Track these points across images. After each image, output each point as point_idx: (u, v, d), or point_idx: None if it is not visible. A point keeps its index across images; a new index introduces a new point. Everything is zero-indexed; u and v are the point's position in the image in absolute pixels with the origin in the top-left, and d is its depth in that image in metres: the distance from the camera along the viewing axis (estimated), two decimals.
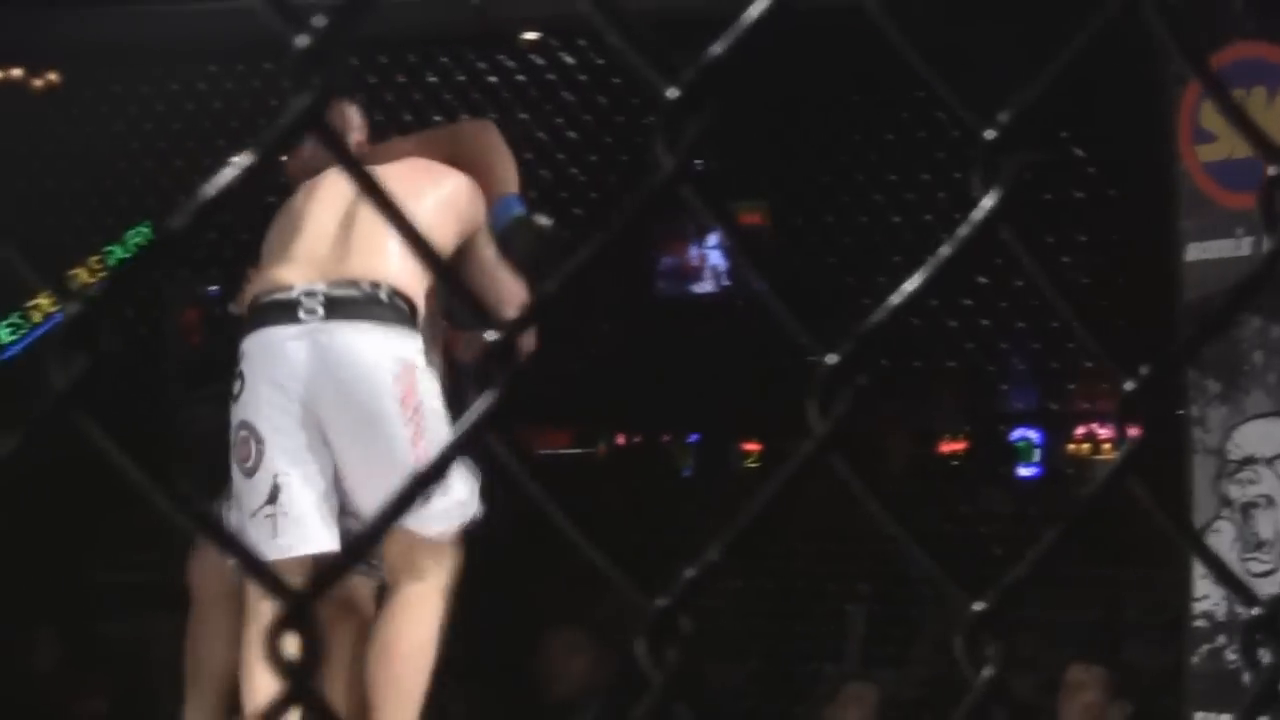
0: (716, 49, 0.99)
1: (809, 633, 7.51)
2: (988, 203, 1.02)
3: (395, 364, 4.36)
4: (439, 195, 4.62)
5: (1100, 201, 7.47)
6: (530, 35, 7.66)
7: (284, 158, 4.91)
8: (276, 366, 4.40)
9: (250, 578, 0.83)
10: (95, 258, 8.55)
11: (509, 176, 4.80)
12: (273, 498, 4.41)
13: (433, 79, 7.71)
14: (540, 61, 7.69)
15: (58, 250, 7.92)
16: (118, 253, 8.73)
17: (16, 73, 8.22)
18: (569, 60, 7.68)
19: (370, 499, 4.36)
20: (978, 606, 1.03)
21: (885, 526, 1.04)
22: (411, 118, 7.38)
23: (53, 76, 8.26)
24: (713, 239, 8.84)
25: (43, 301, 9.04)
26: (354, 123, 5.00)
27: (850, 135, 8.15)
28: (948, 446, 9.34)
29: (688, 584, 0.96)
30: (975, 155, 1.05)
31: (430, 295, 4.58)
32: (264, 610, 4.26)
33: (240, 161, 0.90)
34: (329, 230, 4.59)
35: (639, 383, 8.57)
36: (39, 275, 0.85)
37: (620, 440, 9.96)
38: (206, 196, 0.91)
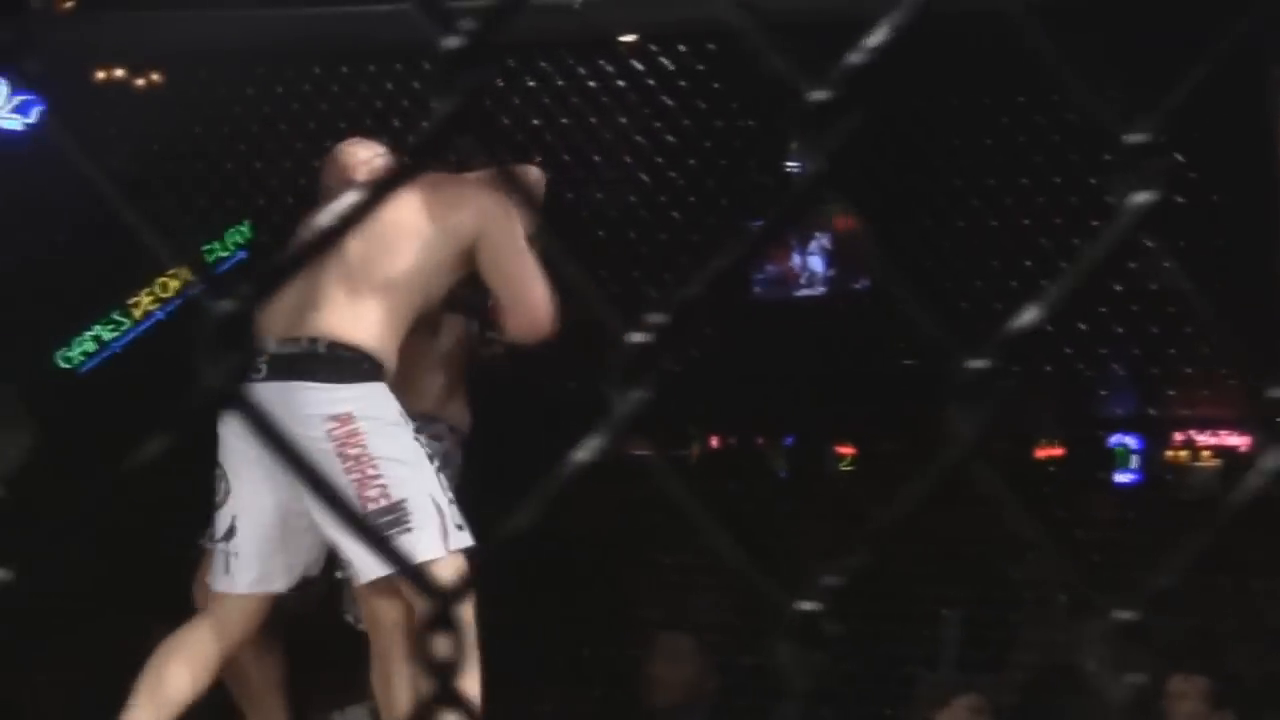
0: (863, 52, 0.98)
1: (903, 635, 7.47)
2: (1132, 206, 1.01)
3: (326, 419, 4.57)
4: (448, 223, 4.72)
5: (1202, 207, 7.40)
6: (629, 38, 7.65)
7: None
8: (235, 425, 4.58)
9: (402, 576, 0.83)
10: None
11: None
12: (228, 536, 4.79)
13: (531, 83, 7.71)
14: (639, 66, 7.66)
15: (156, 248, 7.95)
16: (217, 250, 8.80)
17: (119, 73, 8.29)
18: (668, 65, 7.66)
19: (339, 544, 4.59)
20: (1124, 615, 1.02)
21: (1026, 533, 1.03)
22: (509, 121, 7.40)
23: (155, 76, 8.32)
24: (814, 243, 8.83)
25: (144, 299, 9.12)
26: (359, 157, 5.09)
27: (949, 138, 8.10)
28: (1044, 452, 9.27)
29: (831, 587, 0.95)
30: (1116, 159, 1.04)
31: (425, 325, 4.77)
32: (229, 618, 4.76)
33: (392, 166, 0.90)
34: (298, 281, 4.59)
35: (734, 384, 8.55)
36: (201, 273, 0.85)
37: (714, 442, 9.95)
38: (353, 200, 0.91)
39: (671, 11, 6.51)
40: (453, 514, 4.57)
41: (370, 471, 4.53)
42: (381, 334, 4.68)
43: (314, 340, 4.64)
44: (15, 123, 7.80)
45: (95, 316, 9.14)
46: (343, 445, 4.54)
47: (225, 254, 8.84)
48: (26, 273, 7.61)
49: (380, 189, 0.89)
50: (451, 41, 0.90)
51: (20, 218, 7.63)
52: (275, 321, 4.64)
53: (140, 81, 8.36)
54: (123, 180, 0.95)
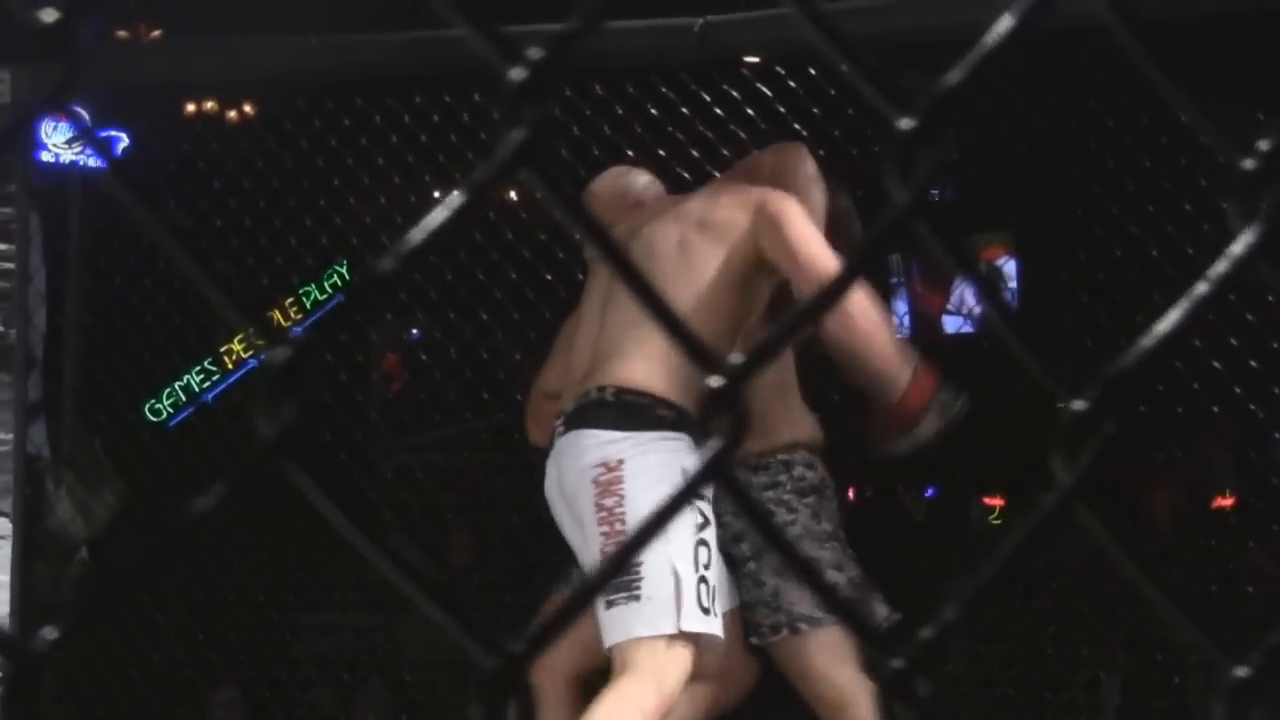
0: (954, 76, 1.00)
1: (1060, 702, 7.43)
2: (1247, 237, 1.03)
3: (597, 466, 4.63)
4: (722, 231, 4.77)
5: None
6: (753, 59, 7.64)
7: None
8: (546, 489, 4.83)
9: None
10: (290, 299, 8.70)
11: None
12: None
13: (653, 110, 7.74)
14: (766, 90, 7.66)
15: (253, 290, 8.05)
16: (314, 294, 8.87)
17: (210, 105, 8.40)
18: (796, 87, 7.65)
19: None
20: (1240, 671, 1.03)
21: (1139, 584, 1.05)
22: (631, 152, 7.42)
23: (248, 108, 8.42)
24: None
25: (236, 346, 9.22)
26: (634, 186, 5.31)
27: (1104, 162, 8.05)
28: (1218, 502, 9.18)
29: (924, 643, 0.97)
30: (1232, 186, 1.05)
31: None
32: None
33: (449, 202, 0.92)
34: (590, 334, 4.91)
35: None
36: (249, 320, 0.89)
37: (850, 494, 9.90)
38: (413, 239, 0.94)
39: (778, 30, 6.46)
40: (698, 592, 4.56)
41: (618, 526, 4.57)
42: (672, 375, 4.70)
43: (603, 389, 4.73)
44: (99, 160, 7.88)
45: (186, 365, 9.23)
46: (603, 493, 4.61)
47: (322, 297, 8.90)
48: (113, 319, 7.70)
49: (435, 234, 0.92)
50: (516, 73, 0.93)
51: (106, 261, 7.72)
52: (576, 380, 4.82)
53: (232, 114, 8.47)
54: (180, 233, 0.98)
